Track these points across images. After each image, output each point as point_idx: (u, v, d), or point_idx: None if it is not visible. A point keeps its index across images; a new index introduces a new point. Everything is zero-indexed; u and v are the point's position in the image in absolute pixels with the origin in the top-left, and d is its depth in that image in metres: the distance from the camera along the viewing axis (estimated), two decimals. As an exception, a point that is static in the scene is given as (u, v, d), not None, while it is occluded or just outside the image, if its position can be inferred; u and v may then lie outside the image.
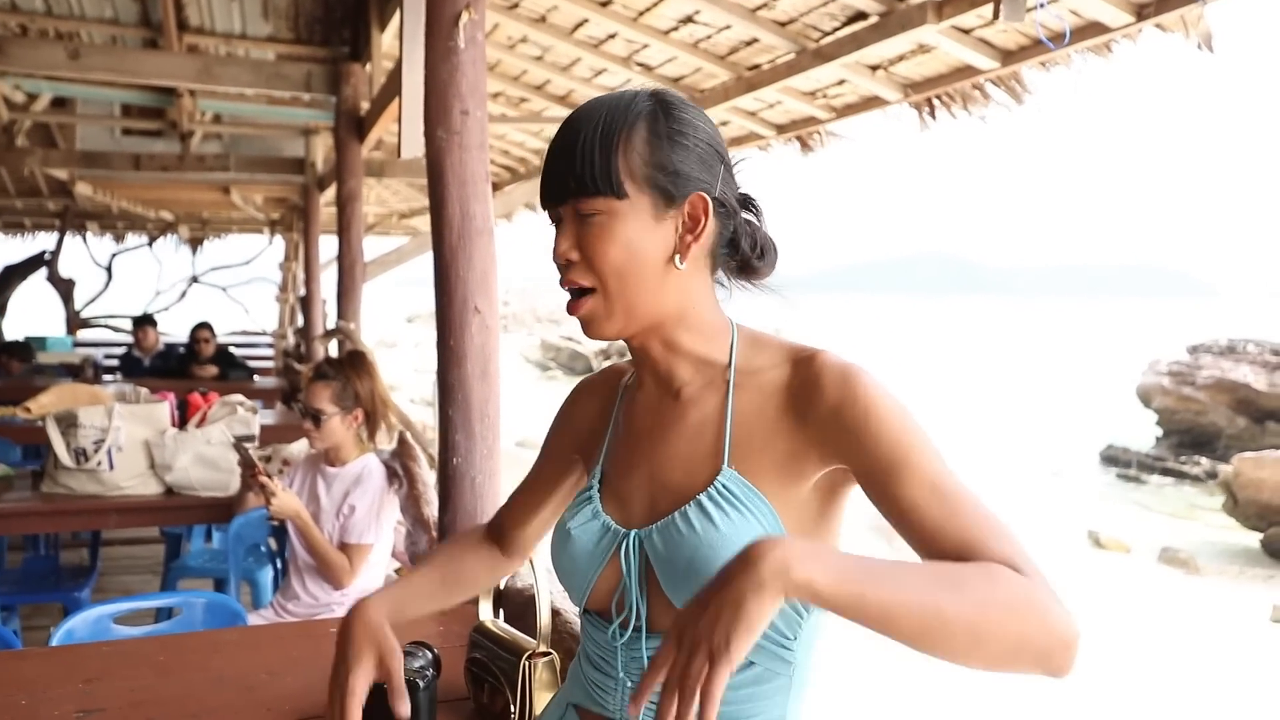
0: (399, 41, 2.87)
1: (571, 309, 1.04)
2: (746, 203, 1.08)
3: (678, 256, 1.01)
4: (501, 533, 1.37)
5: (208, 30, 5.67)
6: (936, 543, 0.89)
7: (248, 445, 3.46)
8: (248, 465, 2.98)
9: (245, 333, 13.59)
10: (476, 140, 2.22)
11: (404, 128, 2.83)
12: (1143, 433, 19.92)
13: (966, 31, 3.11)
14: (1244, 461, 13.06)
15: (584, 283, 1.01)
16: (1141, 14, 2.66)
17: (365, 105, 5.01)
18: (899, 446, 0.94)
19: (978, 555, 0.86)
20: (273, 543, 3.42)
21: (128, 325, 10.69)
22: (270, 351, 10.42)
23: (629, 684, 1.06)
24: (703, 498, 1.00)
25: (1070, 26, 2.76)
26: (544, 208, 1.05)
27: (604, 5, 3.88)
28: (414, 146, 2.76)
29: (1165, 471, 17.55)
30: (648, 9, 3.79)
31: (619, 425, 1.16)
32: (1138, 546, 12.37)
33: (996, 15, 2.55)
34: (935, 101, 3.60)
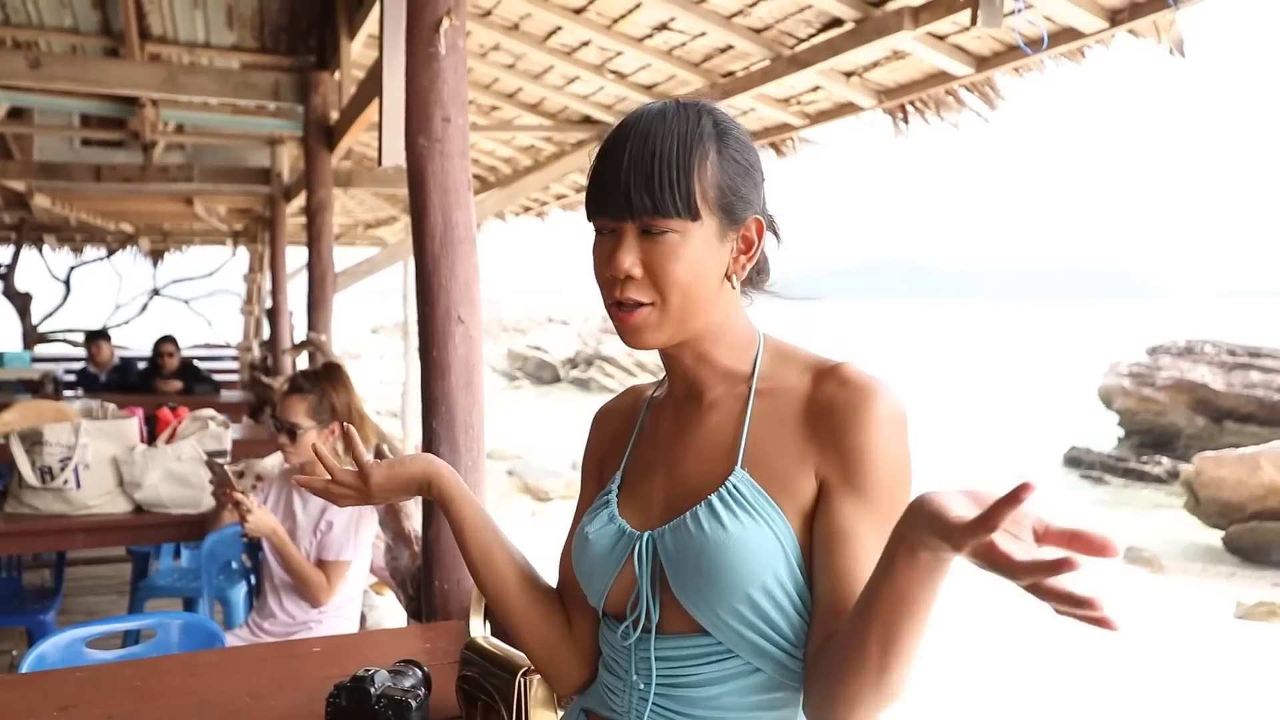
0: (378, 49, 2.83)
1: (623, 318, 1.03)
2: (771, 224, 1.11)
3: (732, 277, 1.04)
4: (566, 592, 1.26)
5: (170, 39, 5.59)
6: (848, 590, 0.95)
7: (220, 461, 3.40)
8: (222, 483, 2.92)
9: (209, 346, 13.39)
10: (458, 148, 2.19)
11: (385, 136, 2.79)
12: (1105, 434, 20.19)
13: (941, 38, 3.12)
14: (1204, 460, 13.25)
15: (644, 298, 1.01)
16: (1115, 19, 2.69)
17: (335, 114, 4.95)
18: (885, 494, 0.98)
19: None
20: (246, 560, 3.34)
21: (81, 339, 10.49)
22: (235, 365, 10.27)
23: (641, 686, 1.06)
24: (713, 498, 1.01)
25: (1046, 32, 2.78)
26: (597, 219, 1.04)
27: (577, 13, 3.86)
28: (395, 155, 2.73)
29: (1127, 472, 17.79)
30: (622, 16, 3.78)
31: (643, 433, 1.18)
32: (1102, 546, 12.53)
33: (974, 21, 2.56)
34: (909, 107, 3.61)
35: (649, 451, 1.15)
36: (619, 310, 1.02)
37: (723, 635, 1.00)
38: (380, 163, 2.85)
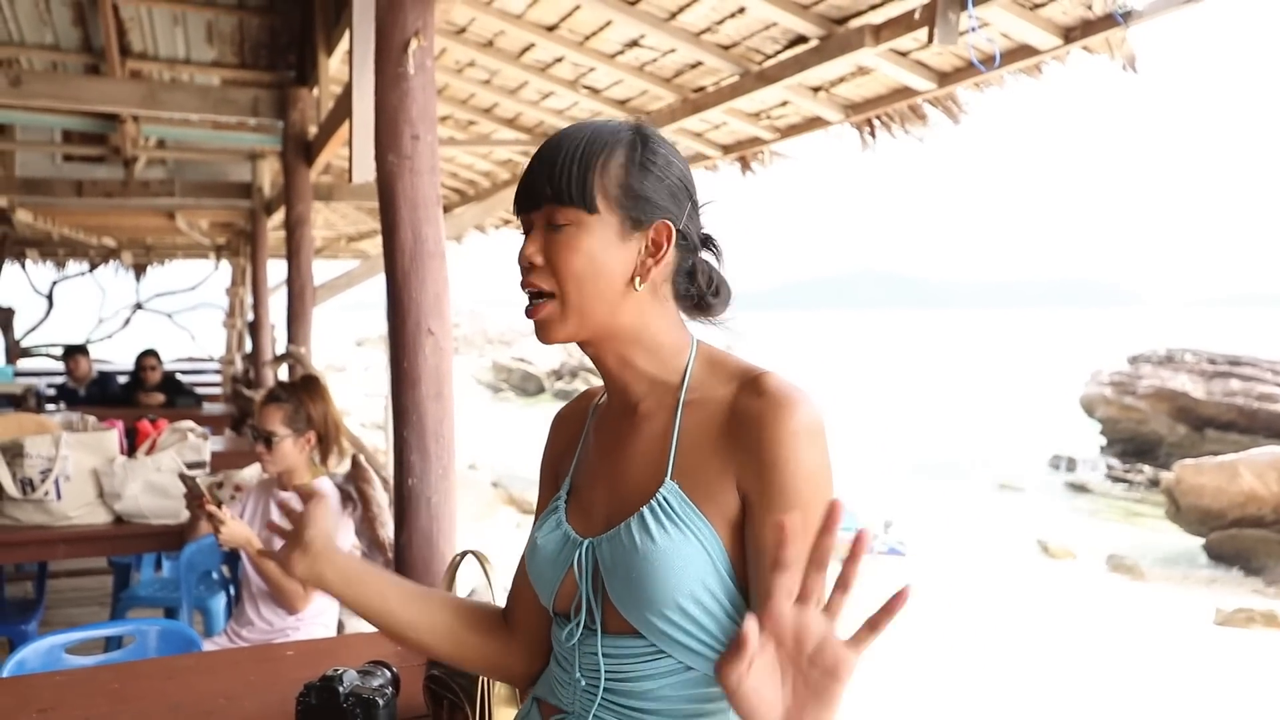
0: (348, 66, 2.89)
1: (530, 312, 1.09)
2: (708, 242, 1.15)
3: (637, 279, 1.07)
4: (512, 610, 1.30)
5: (150, 56, 5.63)
6: None
7: (196, 472, 3.44)
8: (194, 495, 2.98)
9: (192, 359, 13.37)
10: (427, 164, 2.25)
11: (354, 153, 2.85)
12: (1087, 442, 20.34)
13: (904, 54, 3.20)
14: (1185, 468, 13.39)
15: (544, 286, 1.07)
16: (1069, 37, 2.78)
17: (313, 129, 5.00)
18: (787, 492, 1.00)
19: None
20: (225, 569, 3.38)
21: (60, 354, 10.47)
22: (218, 378, 10.27)
23: (583, 683, 1.12)
24: (645, 510, 1.05)
25: (1000, 49, 2.86)
26: (518, 214, 1.11)
27: (551, 30, 3.93)
28: (365, 171, 2.78)
29: (1109, 479, 17.93)
30: (594, 33, 3.85)
31: (588, 440, 1.22)
32: (1085, 554, 12.61)
33: (931, 39, 2.64)
34: (875, 121, 3.70)
35: (593, 460, 1.19)
36: (529, 305, 1.09)
37: (654, 638, 1.05)
38: (350, 179, 2.90)
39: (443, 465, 2.28)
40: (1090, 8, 2.65)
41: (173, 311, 15.20)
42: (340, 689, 1.58)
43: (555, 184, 1.05)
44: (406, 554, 2.29)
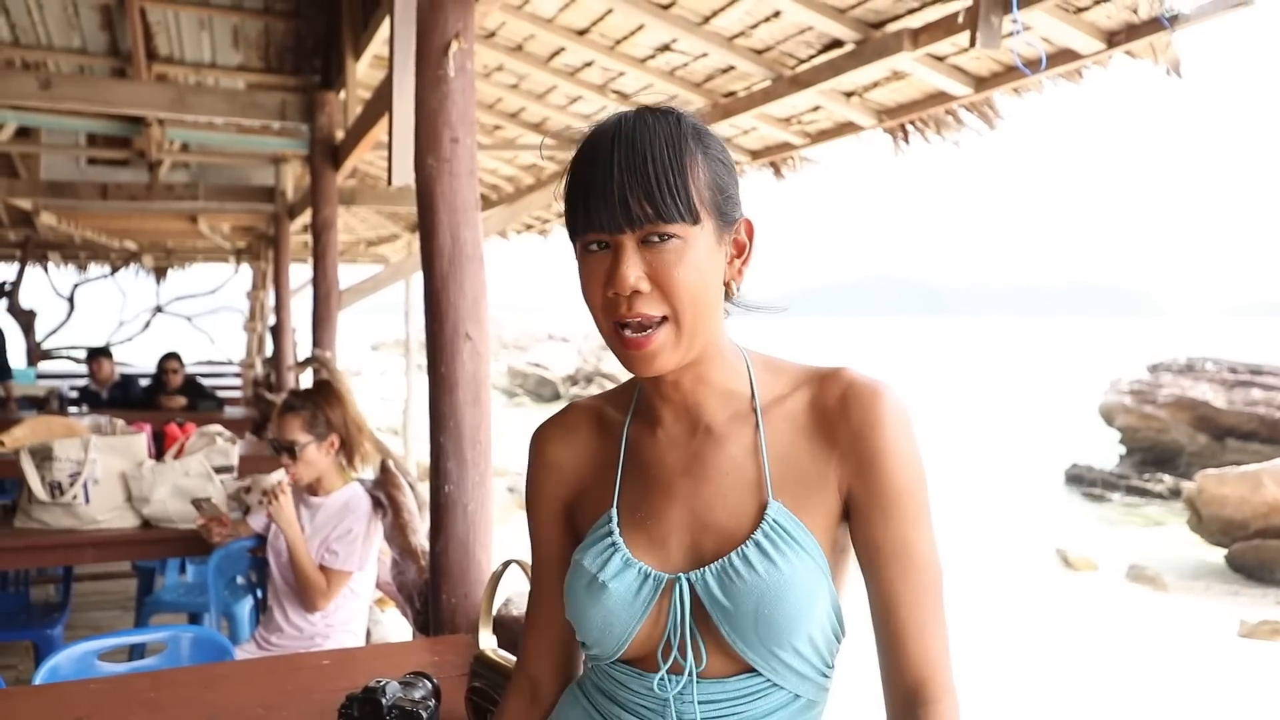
0: (386, 70, 2.87)
1: (638, 344, 0.95)
2: None
3: (733, 284, 1.00)
4: (532, 669, 1.22)
5: (177, 60, 5.65)
6: (891, 621, 0.96)
7: (224, 476, 3.44)
8: (211, 517, 3.03)
9: (211, 362, 13.43)
10: (466, 167, 2.23)
11: (394, 156, 2.84)
12: (1106, 451, 20.17)
13: (940, 59, 3.16)
14: (1207, 478, 13.24)
15: (654, 313, 0.94)
16: (1112, 41, 2.73)
17: (340, 134, 5.00)
18: (899, 493, 0.97)
19: (919, 665, 0.96)
20: (253, 575, 3.37)
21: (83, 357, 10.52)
22: (238, 381, 10.30)
23: None
24: (758, 536, 0.98)
25: (1044, 53, 2.82)
26: (587, 235, 0.96)
27: (581, 34, 3.91)
28: (404, 174, 2.77)
29: (1129, 489, 17.77)
30: (625, 37, 3.83)
31: (634, 463, 1.09)
32: (1106, 564, 12.48)
33: (973, 43, 2.59)
34: (909, 127, 3.65)
35: (653, 487, 1.06)
36: (626, 334, 0.94)
37: (773, 673, 0.98)
38: (390, 182, 2.89)
39: (479, 472, 2.25)
40: (1135, 11, 2.61)
41: (192, 315, 15.28)
42: (383, 701, 1.56)
43: (656, 200, 0.91)
44: (442, 561, 2.26)
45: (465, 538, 2.25)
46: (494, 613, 1.87)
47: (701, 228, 0.95)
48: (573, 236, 0.98)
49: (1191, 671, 7.79)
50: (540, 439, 1.18)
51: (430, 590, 2.34)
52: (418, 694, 1.64)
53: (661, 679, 1.01)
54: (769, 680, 0.98)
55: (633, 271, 0.93)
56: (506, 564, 1.71)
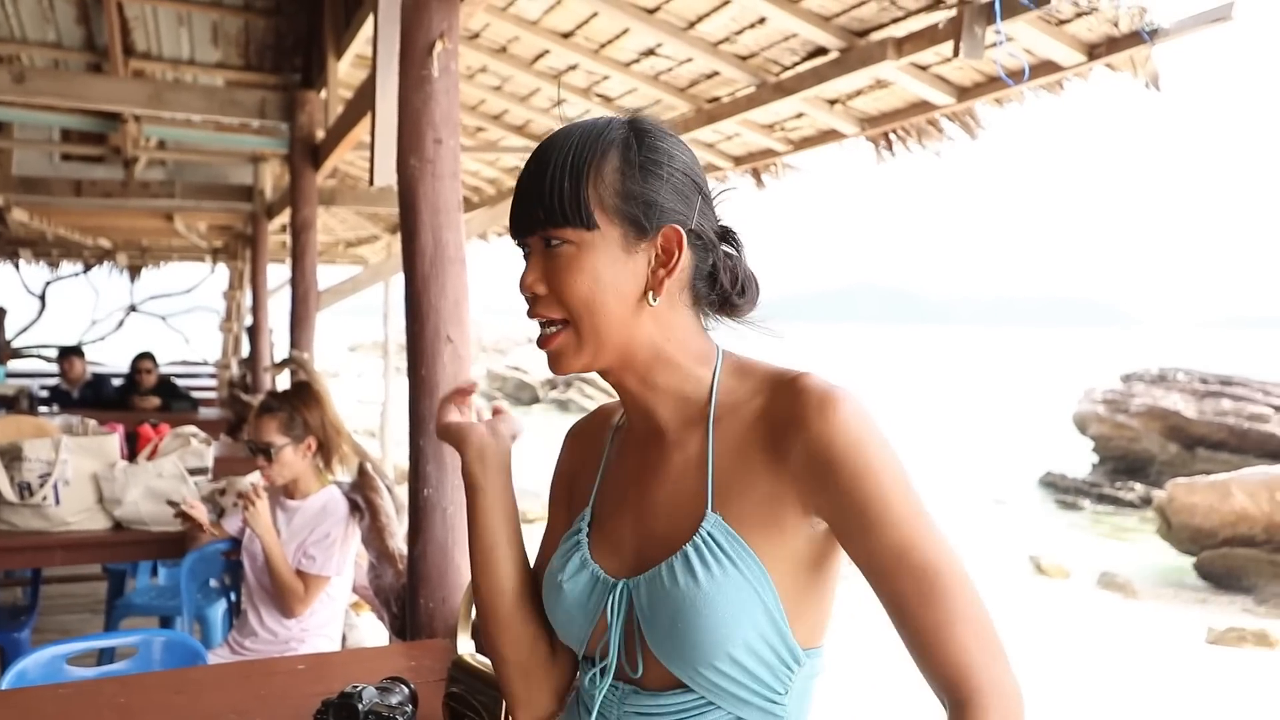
0: (369, 69, 2.85)
1: (542, 343, 1.01)
2: (726, 235, 1.05)
3: (651, 293, 0.97)
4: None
5: (154, 56, 5.59)
6: (912, 636, 0.89)
7: (199, 478, 3.40)
8: (185, 517, 2.98)
9: (186, 363, 13.28)
10: (449, 169, 2.21)
11: (376, 156, 2.81)
12: (1080, 459, 20.37)
13: (924, 68, 3.18)
14: (1177, 487, 13.39)
15: (553, 315, 0.98)
16: (1093, 54, 2.75)
17: (320, 133, 4.96)
18: (872, 501, 0.90)
19: (951, 672, 0.87)
20: (226, 578, 3.33)
21: (54, 355, 10.38)
22: (213, 382, 10.20)
23: None
24: (688, 548, 0.95)
25: (1027, 64, 2.84)
26: (513, 239, 1.02)
27: (566, 37, 3.90)
28: (386, 174, 2.75)
29: (1101, 497, 17.95)
30: (610, 41, 3.83)
31: (610, 465, 1.11)
32: (1077, 571, 12.59)
33: (957, 53, 2.61)
34: (891, 135, 3.67)
35: (617, 488, 1.08)
36: (541, 336, 1.00)
37: (704, 691, 0.95)
38: (371, 182, 2.86)
39: (459, 475, 2.22)
40: (1116, 25, 2.63)
41: (167, 314, 15.12)
42: (360, 706, 1.54)
43: (547, 204, 0.95)
44: (421, 565, 2.24)
45: (444, 542, 2.23)
46: (472, 617, 1.86)
47: (600, 234, 0.95)
48: None
49: (1160, 678, 7.87)
50: (565, 437, 1.23)
51: (408, 594, 2.32)
52: (394, 699, 1.62)
53: (592, 676, 1.01)
54: (702, 698, 0.96)
55: (530, 275, 0.98)
56: (487, 569, 1.69)
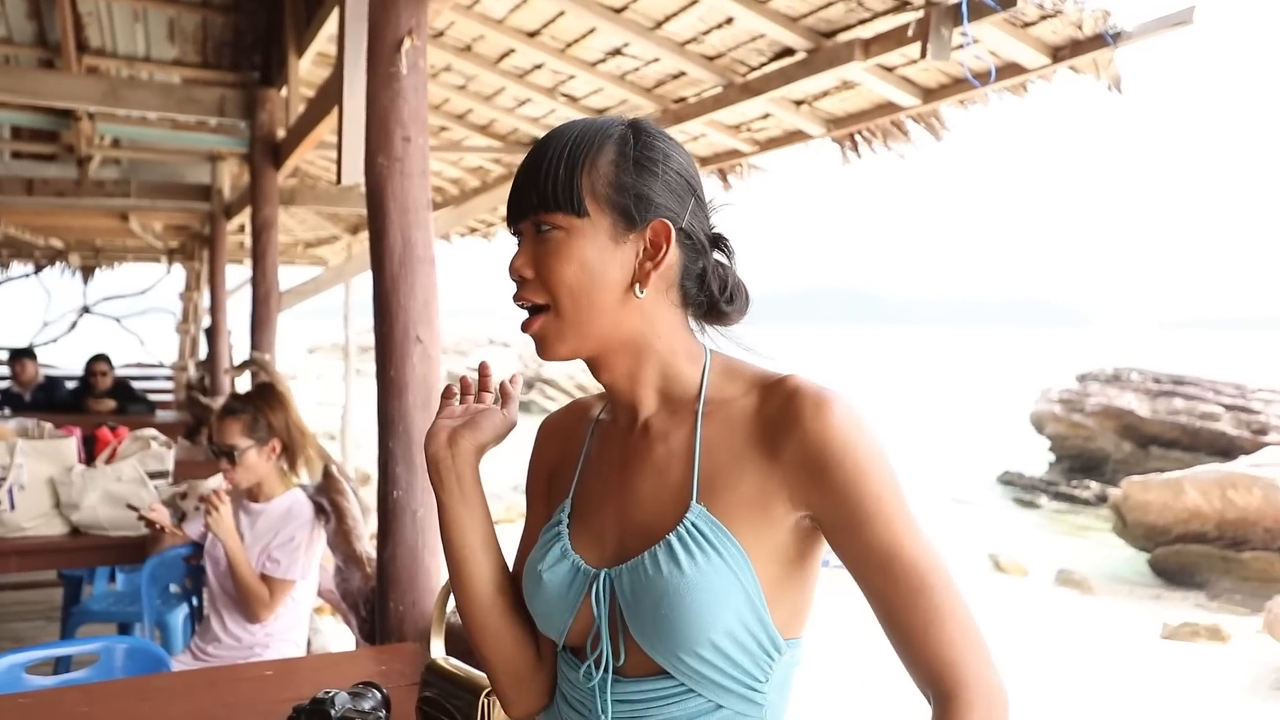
0: (334, 66, 2.81)
1: (524, 326, 1.02)
2: (718, 242, 1.07)
3: (637, 285, 1.00)
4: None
5: (109, 52, 5.48)
6: (896, 630, 0.92)
7: (159, 482, 3.33)
8: (148, 522, 2.92)
9: (141, 365, 13.03)
10: (418, 167, 2.19)
11: (344, 154, 2.78)
12: (1037, 458, 20.67)
13: (889, 69, 3.21)
14: (1131, 485, 13.62)
15: (537, 300, 1.01)
16: (1057, 56, 2.79)
17: (282, 132, 4.90)
18: (865, 500, 0.93)
19: (935, 668, 0.90)
20: (188, 582, 3.27)
21: (4, 358, 10.13)
22: (169, 384, 10.02)
23: None
24: (671, 538, 0.97)
25: (993, 66, 2.87)
26: (508, 225, 1.05)
27: (532, 36, 3.88)
28: (354, 173, 2.71)
29: (1058, 495, 18.24)
30: (576, 40, 3.81)
31: (590, 459, 1.13)
32: (1035, 569, 12.77)
33: (924, 54, 2.64)
34: (857, 137, 3.70)
35: (598, 480, 1.10)
36: (525, 319, 1.02)
37: (685, 678, 0.97)
38: (339, 180, 2.83)
39: (429, 478, 2.20)
40: (1080, 28, 2.67)
41: (121, 316, 14.83)
42: (332, 712, 1.52)
43: (540, 189, 0.98)
44: (390, 569, 2.21)
45: (414, 544, 2.21)
46: (446, 621, 1.84)
47: (590, 222, 0.98)
48: None
49: (1117, 673, 8.00)
50: (538, 431, 1.23)
51: (377, 598, 2.29)
52: (367, 704, 1.60)
53: (587, 669, 1.02)
54: (683, 685, 0.98)
55: (519, 258, 1.01)
56: (460, 571, 1.67)
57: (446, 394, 1.17)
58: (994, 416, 29.36)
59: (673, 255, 1.01)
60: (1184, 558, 12.55)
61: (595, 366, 1.05)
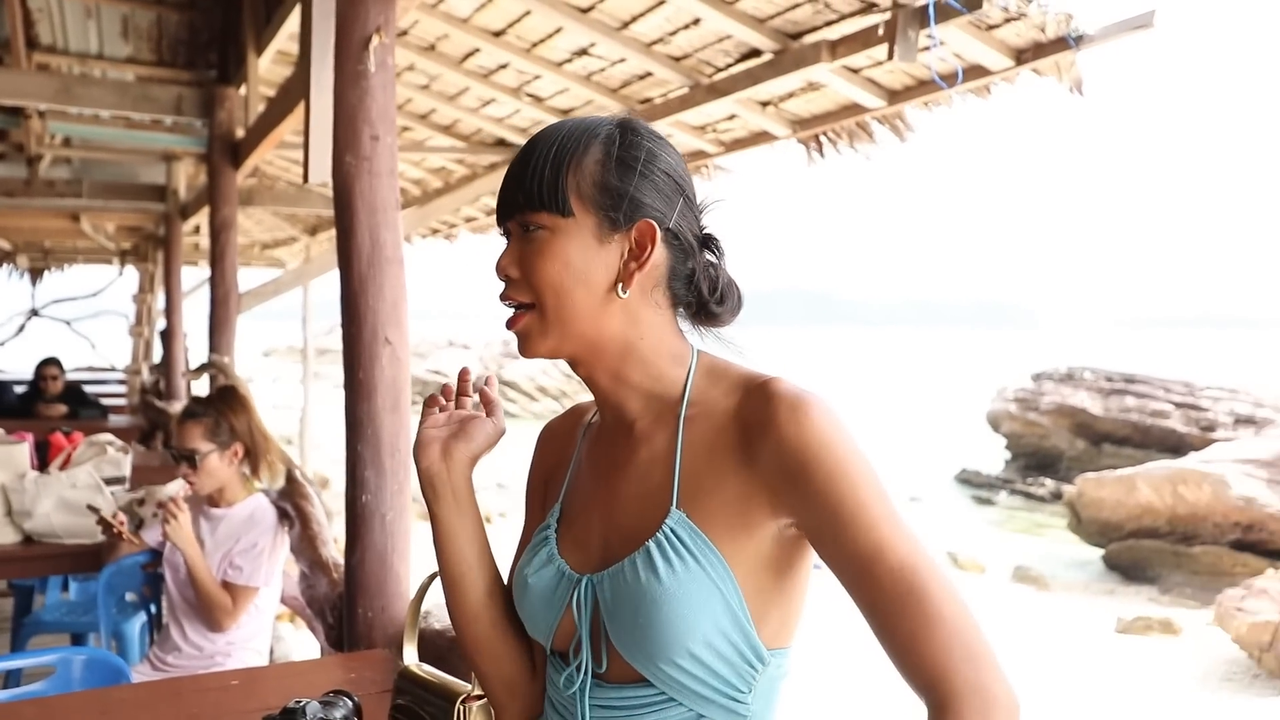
0: (297, 65, 2.76)
1: (509, 324, 1.02)
2: (708, 242, 1.06)
3: (620, 285, 0.99)
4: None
5: (60, 49, 5.36)
6: (890, 640, 0.88)
7: (115, 488, 3.25)
8: (106, 526, 2.84)
9: (93, 369, 12.75)
10: (386, 166, 2.16)
11: (311, 153, 2.73)
12: (994, 456, 20.96)
13: (855, 71, 3.22)
14: (1086, 482, 13.84)
15: (522, 299, 1.01)
16: (1020, 59, 2.82)
17: (241, 131, 4.81)
18: (845, 503, 0.90)
19: (928, 675, 0.85)
20: (146, 591, 3.19)
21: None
22: (122, 389, 9.82)
23: None
24: (650, 545, 0.96)
25: (960, 68, 2.90)
26: (497, 224, 1.05)
27: (497, 35, 3.85)
28: (321, 172, 2.67)
29: (1014, 493, 18.50)
30: (542, 40, 3.79)
31: (580, 462, 1.12)
32: (992, 566, 12.93)
33: (891, 56, 2.65)
34: (822, 138, 3.71)
35: (586, 484, 1.09)
36: (509, 317, 1.02)
37: (666, 686, 0.96)
38: (305, 180, 2.78)
39: (398, 481, 2.17)
40: (1043, 31, 2.70)
41: (72, 319, 14.48)
42: (304, 722, 1.48)
43: (526, 188, 0.98)
44: (359, 574, 2.18)
45: (383, 549, 2.17)
46: (419, 626, 1.81)
47: (575, 222, 0.98)
48: None
49: (1072, 667, 8.12)
50: (538, 437, 1.23)
51: (345, 604, 2.25)
52: (339, 713, 1.57)
53: (568, 676, 1.01)
54: (663, 693, 0.96)
55: (505, 258, 1.01)
56: (434, 575, 1.64)
57: (430, 402, 1.14)
58: (952, 416, 29.73)
59: (658, 256, 1.00)
60: (1137, 553, 12.78)
61: (577, 366, 1.05)
